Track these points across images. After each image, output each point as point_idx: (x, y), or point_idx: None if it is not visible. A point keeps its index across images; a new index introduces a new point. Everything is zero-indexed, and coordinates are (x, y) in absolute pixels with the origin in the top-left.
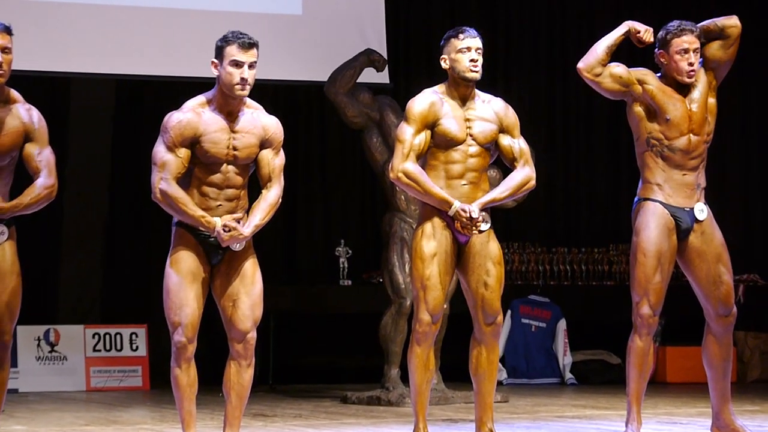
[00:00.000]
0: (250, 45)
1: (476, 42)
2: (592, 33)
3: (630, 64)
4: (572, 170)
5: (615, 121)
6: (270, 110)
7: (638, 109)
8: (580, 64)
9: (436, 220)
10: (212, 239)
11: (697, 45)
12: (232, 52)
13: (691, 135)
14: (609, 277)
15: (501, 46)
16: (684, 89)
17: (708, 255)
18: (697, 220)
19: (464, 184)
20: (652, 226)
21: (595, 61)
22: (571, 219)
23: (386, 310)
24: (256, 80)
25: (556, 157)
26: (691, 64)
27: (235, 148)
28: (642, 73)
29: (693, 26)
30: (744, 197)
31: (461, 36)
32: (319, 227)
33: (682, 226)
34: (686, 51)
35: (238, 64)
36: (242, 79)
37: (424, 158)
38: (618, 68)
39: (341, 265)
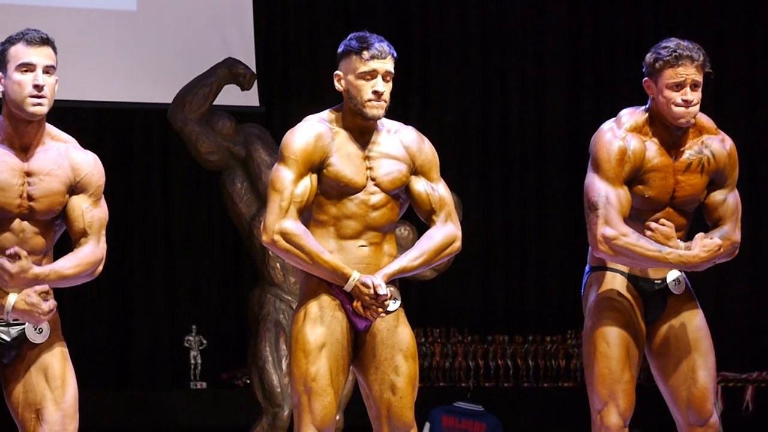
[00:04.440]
0: (42, 41)
1: (386, 65)
2: (539, 30)
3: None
4: (516, 225)
5: (577, 154)
6: (91, 144)
7: None
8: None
9: (325, 298)
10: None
11: (698, 78)
12: (19, 53)
13: (670, 208)
14: (567, 377)
15: (416, 55)
16: (676, 141)
17: (681, 341)
18: (671, 294)
19: (362, 246)
20: (614, 304)
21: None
22: (515, 295)
23: (255, 424)
24: (72, 104)
25: (493, 207)
26: (687, 102)
27: (30, 197)
28: (629, 166)
29: (696, 51)
30: (753, 267)
31: (366, 54)
32: (160, 308)
33: (650, 304)
34: (680, 85)
35: (28, 67)
36: (36, 86)
37: (308, 212)
38: (624, 202)
39: (192, 362)
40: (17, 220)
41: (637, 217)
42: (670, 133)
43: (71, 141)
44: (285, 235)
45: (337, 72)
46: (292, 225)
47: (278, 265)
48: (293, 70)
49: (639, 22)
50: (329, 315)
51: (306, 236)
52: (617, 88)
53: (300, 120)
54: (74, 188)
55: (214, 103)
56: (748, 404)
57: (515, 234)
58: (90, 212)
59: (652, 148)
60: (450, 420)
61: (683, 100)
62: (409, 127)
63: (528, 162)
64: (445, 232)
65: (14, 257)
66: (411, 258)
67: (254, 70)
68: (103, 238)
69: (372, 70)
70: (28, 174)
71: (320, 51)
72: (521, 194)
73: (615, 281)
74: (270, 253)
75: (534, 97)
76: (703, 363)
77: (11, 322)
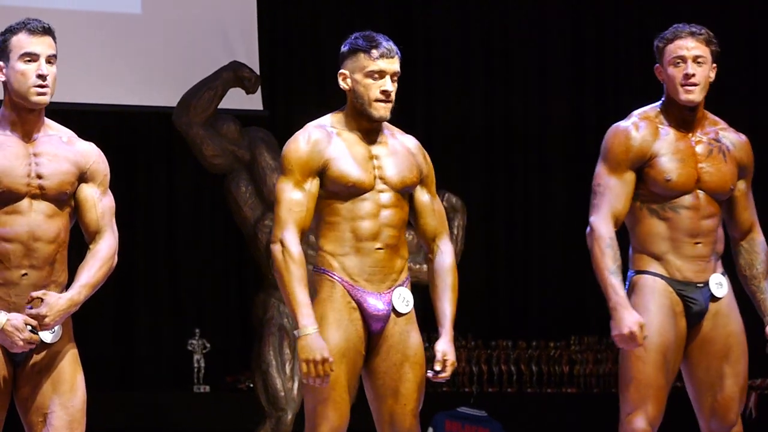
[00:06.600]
0: (44, 30)
1: (393, 65)
2: (543, 30)
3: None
4: (519, 230)
5: (581, 158)
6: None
7: None
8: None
9: (341, 301)
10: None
11: (700, 52)
12: (21, 42)
13: (699, 191)
14: (570, 383)
15: (420, 56)
16: (691, 124)
17: (713, 345)
18: (713, 298)
19: (379, 248)
20: (653, 308)
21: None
22: (518, 300)
23: (259, 428)
24: (77, 107)
25: (496, 211)
26: (687, 76)
27: (39, 176)
28: (635, 152)
29: (698, 29)
30: None
31: (374, 53)
32: (164, 312)
33: (693, 309)
34: (682, 59)
35: (31, 57)
36: (40, 75)
37: (318, 215)
38: (621, 193)
39: (196, 365)
40: (27, 201)
41: (665, 202)
42: (684, 118)
43: (71, 132)
44: (283, 248)
45: (342, 71)
46: (292, 243)
47: None
48: (297, 74)
49: (641, 18)
50: (346, 319)
51: (292, 259)
52: (620, 89)
53: (302, 125)
54: (84, 176)
55: (219, 106)
56: (752, 411)
57: (518, 239)
58: (101, 202)
59: (667, 133)
60: (453, 425)
61: (684, 75)
62: (411, 136)
63: (531, 167)
64: (451, 256)
65: (37, 300)
66: (450, 300)
67: (258, 73)
68: (114, 226)
69: (380, 70)
70: (35, 155)
71: (324, 55)
72: (525, 199)
73: (656, 285)
74: None
75: (537, 101)
76: (732, 371)
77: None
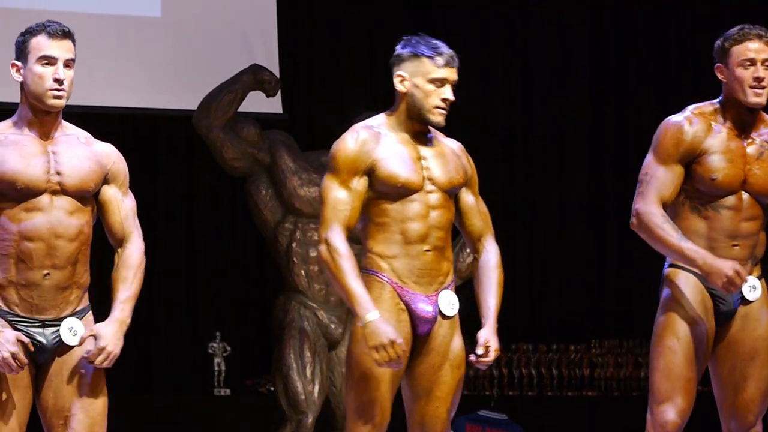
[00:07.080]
0: (63, 34)
1: (455, 74)
2: (563, 30)
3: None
4: (538, 233)
5: (600, 163)
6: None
7: None
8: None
9: (390, 303)
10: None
11: (767, 55)
12: (40, 44)
13: (743, 192)
14: (591, 386)
15: None
16: (748, 125)
17: (740, 347)
18: (744, 300)
19: (427, 251)
20: (685, 302)
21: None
22: (537, 304)
23: (280, 431)
24: (97, 110)
25: (515, 213)
26: (758, 79)
27: (59, 173)
28: (688, 144)
29: (765, 31)
30: None
31: (440, 60)
32: (184, 314)
33: (721, 308)
34: (751, 62)
35: (49, 60)
36: (56, 80)
37: (366, 216)
38: (668, 182)
39: (216, 368)
40: (48, 197)
41: (708, 201)
42: (741, 118)
43: (87, 133)
44: (328, 246)
45: (400, 73)
46: (338, 240)
47: (302, 271)
48: (316, 77)
49: (662, 18)
50: (394, 320)
51: (343, 255)
52: (641, 90)
53: (321, 128)
54: (105, 177)
55: (239, 109)
56: None
57: (538, 242)
58: (123, 203)
59: (720, 131)
60: (474, 429)
61: (755, 78)
62: (454, 140)
63: (551, 168)
64: (497, 255)
65: (89, 338)
66: (495, 295)
67: (278, 76)
68: (138, 226)
69: (443, 78)
70: (54, 153)
71: (343, 58)
72: (544, 201)
73: (689, 281)
74: (294, 259)
75: (557, 102)
76: (756, 374)
77: (47, 323)
